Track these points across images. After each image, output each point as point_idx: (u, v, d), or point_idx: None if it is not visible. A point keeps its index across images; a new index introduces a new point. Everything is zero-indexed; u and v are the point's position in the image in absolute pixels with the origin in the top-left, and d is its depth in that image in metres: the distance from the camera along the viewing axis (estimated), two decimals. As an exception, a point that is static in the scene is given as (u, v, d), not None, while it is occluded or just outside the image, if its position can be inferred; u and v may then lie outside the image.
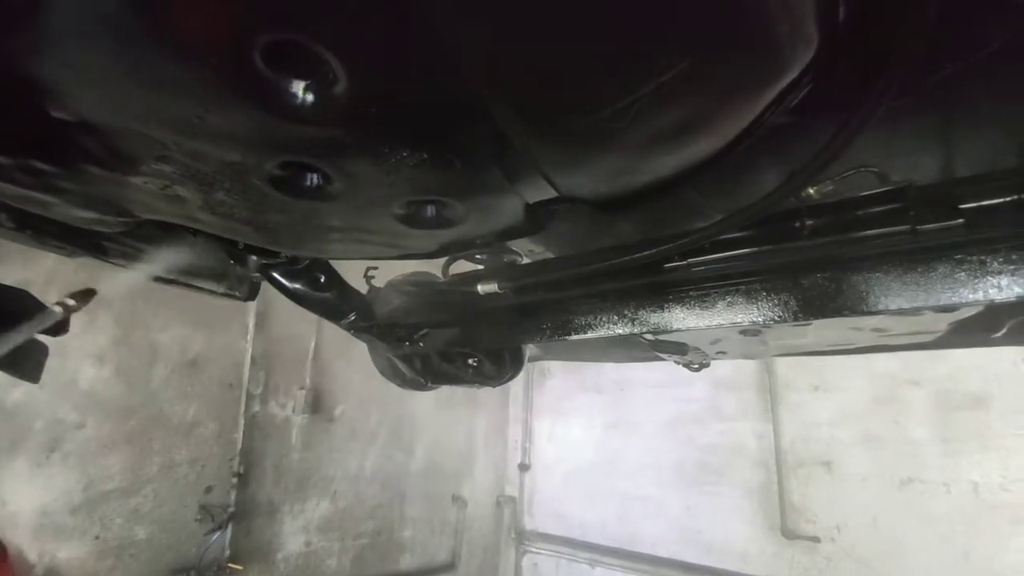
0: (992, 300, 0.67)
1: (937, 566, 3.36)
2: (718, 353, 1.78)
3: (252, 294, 1.33)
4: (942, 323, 1.06)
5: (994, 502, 3.29)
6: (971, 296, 0.67)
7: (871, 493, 3.62)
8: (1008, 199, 0.63)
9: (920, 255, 0.68)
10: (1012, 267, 0.65)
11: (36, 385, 2.55)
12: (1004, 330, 1.46)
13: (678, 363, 2.02)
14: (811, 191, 0.83)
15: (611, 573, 4.48)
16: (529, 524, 5.07)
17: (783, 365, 4.12)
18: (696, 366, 2.12)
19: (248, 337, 3.42)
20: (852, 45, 0.50)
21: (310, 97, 0.50)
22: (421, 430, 4.44)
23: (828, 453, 3.83)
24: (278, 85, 0.48)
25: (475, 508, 4.83)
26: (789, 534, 3.82)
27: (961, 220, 0.63)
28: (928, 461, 3.51)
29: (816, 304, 0.79)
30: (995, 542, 3.23)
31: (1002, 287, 0.66)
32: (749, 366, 4.23)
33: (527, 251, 1.51)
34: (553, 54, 0.45)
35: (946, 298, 0.68)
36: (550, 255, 1.43)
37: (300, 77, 0.48)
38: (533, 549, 4.94)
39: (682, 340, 1.52)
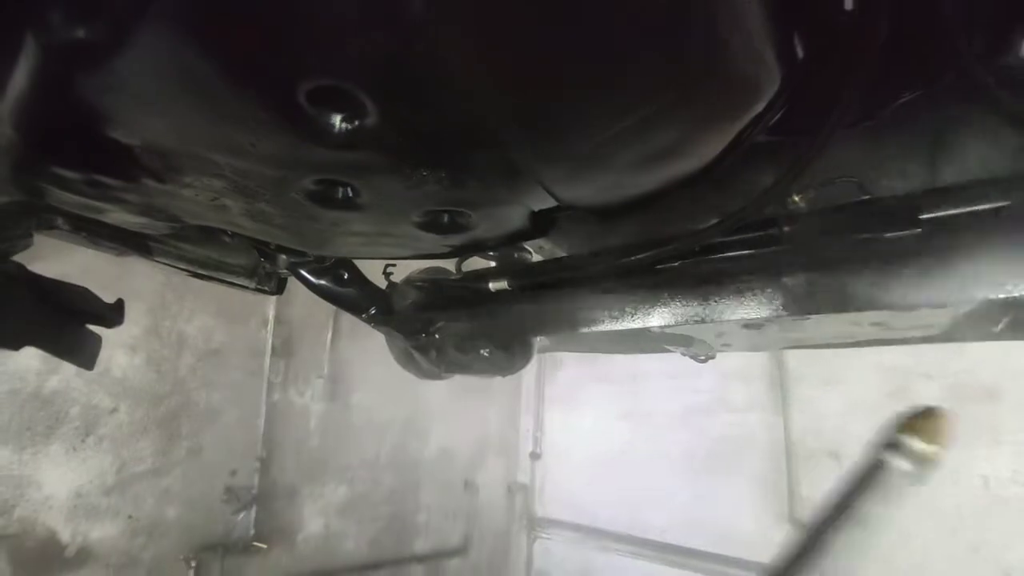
0: (957, 301, 0.74)
1: (946, 558, 3.38)
2: (723, 345, 1.84)
3: (280, 289, 1.43)
4: (942, 317, 1.13)
5: (1004, 496, 3.30)
6: (937, 297, 0.74)
7: (880, 485, 3.65)
8: (965, 210, 0.70)
9: (890, 259, 0.75)
10: (972, 272, 0.71)
11: (72, 373, 2.69)
12: (1001, 325, 1.52)
13: (684, 355, 2.09)
14: (796, 198, 0.90)
15: (621, 559, 4.57)
16: (540, 511, 5.18)
17: (793, 358, 4.15)
18: (703, 358, 2.19)
19: (268, 328, 3.56)
20: (814, 76, 0.57)
21: (346, 127, 0.59)
22: (435, 418, 4.56)
23: (838, 445, 3.86)
24: (319, 118, 0.57)
25: (487, 494, 4.95)
26: (797, 524, 3.88)
27: (919, 230, 0.70)
28: (938, 454, 3.52)
29: (797, 303, 0.87)
30: (1004, 536, 3.25)
31: (965, 289, 0.73)
32: (759, 359, 4.27)
33: (537, 247, 1.59)
34: (552, 97, 0.53)
35: (913, 299, 0.75)
36: (559, 251, 1.51)
37: (338, 112, 0.57)
38: (544, 535, 5.05)
39: (687, 332, 1.59)
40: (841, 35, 0.56)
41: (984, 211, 0.73)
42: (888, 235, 0.72)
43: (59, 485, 2.67)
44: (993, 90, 0.58)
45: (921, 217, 0.71)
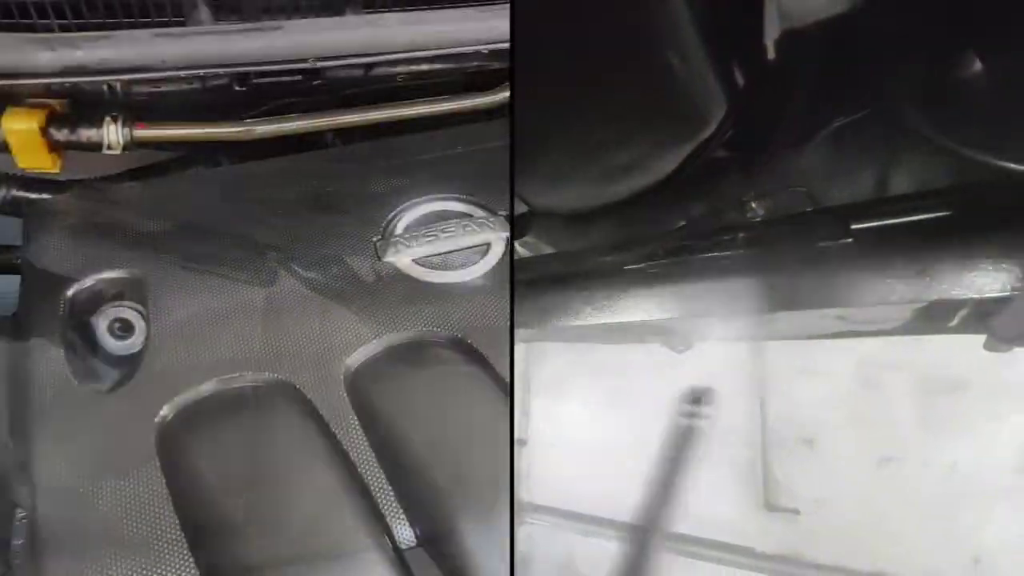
0: (889, 302, 0.83)
1: (916, 544, 3.48)
2: (699, 337, 1.94)
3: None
4: (899, 312, 1.22)
5: (970, 482, 3.40)
6: (870, 299, 0.82)
7: (853, 471, 3.74)
8: (895, 221, 0.78)
9: (827, 265, 0.84)
10: (901, 276, 0.80)
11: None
12: (956, 320, 1.62)
13: (663, 345, 2.18)
14: (754, 206, 0.98)
15: (604, 543, 4.66)
16: (526, 497, 5.26)
17: (771, 349, 4.24)
18: (681, 348, 2.29)
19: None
20: (755, 100, 0.65)
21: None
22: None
23: (812, 432, 3.95)
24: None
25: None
26: (772, 508, 3.98)
27: (851, 239, 0.78)
28: (908, 442, 3.61)
29: (756, 302, 0.95)
30: (972, 522, 3.35)
31: (896, 291, 0.81)
32: (738, 349, 4.35)
33: (523, 242, 1.67)
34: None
35: (847, 300, 0.83)
36: (548, 248, 1.59)
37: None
38: (528, 520, 5.14)
39: (662, 324, 1.67)
40: (770, 73, 0.63)
41: (917, 221, 0.81)
42: (823, 244, 0.80)
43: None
44: (918, 123, 0.66)
45: (852, 227, 0.79)
